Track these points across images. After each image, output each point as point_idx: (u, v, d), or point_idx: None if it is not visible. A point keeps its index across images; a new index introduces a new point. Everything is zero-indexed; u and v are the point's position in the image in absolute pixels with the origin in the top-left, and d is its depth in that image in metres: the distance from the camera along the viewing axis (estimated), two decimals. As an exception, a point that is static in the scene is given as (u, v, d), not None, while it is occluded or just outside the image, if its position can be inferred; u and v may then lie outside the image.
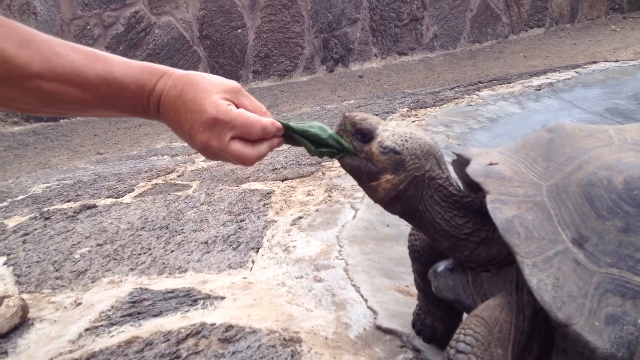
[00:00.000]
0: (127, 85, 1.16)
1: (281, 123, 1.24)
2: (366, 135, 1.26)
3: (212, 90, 1.17)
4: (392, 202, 1.28)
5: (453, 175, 1.38)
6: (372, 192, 1.29)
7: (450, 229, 1.29)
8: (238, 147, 1.18)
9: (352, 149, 1.26)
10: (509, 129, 3.67)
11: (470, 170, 1.26)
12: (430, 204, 1.29)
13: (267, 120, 1.21)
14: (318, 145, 1.26)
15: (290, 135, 1.26)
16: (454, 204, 1.29)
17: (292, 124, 1.26)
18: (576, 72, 4.78)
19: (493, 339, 1.14)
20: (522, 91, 4.31)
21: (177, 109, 1.17)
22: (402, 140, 1.26)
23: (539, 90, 4.35)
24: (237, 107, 1.19)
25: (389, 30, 7.53)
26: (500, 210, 1.17)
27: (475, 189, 1.31)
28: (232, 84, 1.21)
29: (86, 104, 1.15)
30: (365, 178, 1.27)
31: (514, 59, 7.63)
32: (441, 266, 1.36)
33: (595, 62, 5.28)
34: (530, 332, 1.19)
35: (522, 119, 3.86)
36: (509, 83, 4.59)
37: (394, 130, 1.27)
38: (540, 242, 1.13)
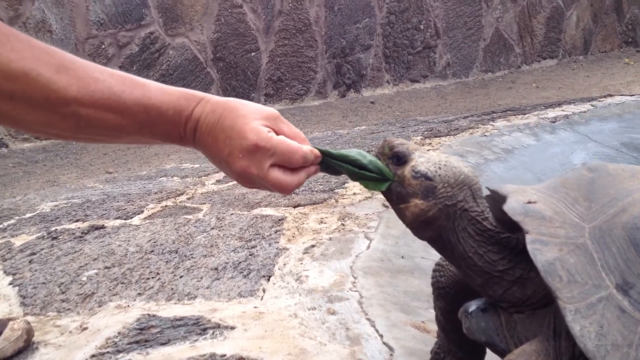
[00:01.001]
0: (165, 112, 1.13)
1: (319, 150, 1.21)
2: (401, 158, 1.24)
3: (252, 116, 1.14)
4: (421, 227, 1.24)
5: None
6: (401, 215, 1.26)
7: (483, 265, 1.24)
8: (278, 174, 1.14)
9: (391, 175, 1.24)
10: (524, 160, 3.62)
11: (508, 208, 1.21)
12: (463, 236, 1.24)
13: (307, 147, 1.18)
14: (360, 168, 1.24)
15: (327, 162, 1.23)
16: (488, 239, 1.24)
17: (331, 150, 1.23)
18: (592, 105, 4.74)
19: None
20: (537, 123, 4.27)
21: (215, 135, 1.14)
22: (435, 167, 1.24)
23: (554, 122, 4.31)
24: (277, 133, 1.16)
25: (401, 57, 7.53)
26: (541, 252, 1.11)
27: (508, 227, 1.26)
28: (271, 110, 1.18)
29: (123, 131, 1.12)
30: (395, 199, 1.25)
31: (526, 89, 7.60)
32: (473, 306, 1.30)
33: (610, 96, 5.24)
34: None
35: (538, 151, 3.81)
36: (524, 114, 4.55)
37: (429, 157, 1.26)
38: (583, 287, 1.07)
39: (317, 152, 1.20)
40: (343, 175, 1.27)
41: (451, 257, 1.28)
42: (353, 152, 1.24)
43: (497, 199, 1.27)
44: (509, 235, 1.25)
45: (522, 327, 1.22)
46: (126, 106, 1.09)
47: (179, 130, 1.16)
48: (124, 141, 1.20)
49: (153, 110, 1.12)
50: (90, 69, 1.08)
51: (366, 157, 1.24)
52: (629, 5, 10.15)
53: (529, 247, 1.12)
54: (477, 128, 4.13)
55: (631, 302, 1.05)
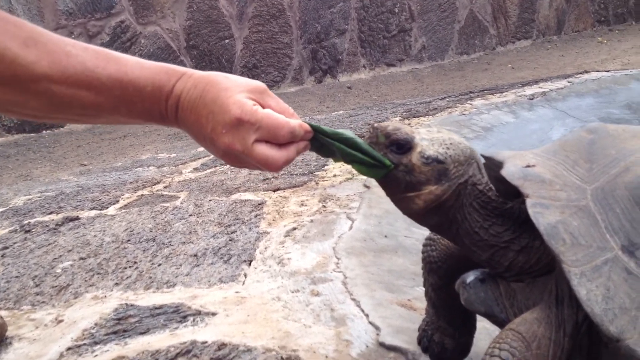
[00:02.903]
0: (143, 87, 1.06)
1: (310, 125, 1.13)
2: (404, 146, 1.14)
3: (236, 89, 1.07)
4: (430, 213, 1.18)
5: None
6: (408, 204, 1.17)
7: (489, 238, 1.19)
8: (264, 150, 1.07)
9: (386, 159, 1.15)
10: (503, 138, 3.60)
11: (506, 172, 1.16)
12: (469, 211, 1.19)
13: (295, 122, 1.10)
14: (353, 149, 1.14)
15: (319, 140, 1.14)
16: (492, 211, 1.20)
17: (324, 127, 1.14)
18: (569, 82, 4.73)
19: (531, 356, 1.04)
20: (515, 100, 4.25)
21: (197, 111, 1.07)
22: (443, 148, 1.15)
23: (532, 99, 4.30)
24: (263, 107, 1.08)
25: (377, 42, 7.48)
26: (542, 215, 1.07)
27: (505, 196, 1.22)
28: (257, 83, 1.11)
29: (99, 109, 1.05)
30: (403, 190, 1.16)
31: (502, 70, 7.61)
32: (471, 277, 1.26)
33: (587, 72, 5.25)
34: (570, 349, 1.10)
35: (517, 128, 3.79)
36: (502, 92, 4.53)
37: (432, 137, 1.16)
38: (588, 250, 1.04)
39: (307, 126, 1.12)
40: (324, 158, 1.18)
41: (455, 235, 1.22)
42: (347, 132, 1.15)
43: (492, 167, 1.23)
44: (512, 206, 1.21)
45: (522, 296, 1.19)
46: (101, 82, 1.02)
47: (159, 107, 1.09)
48: (103, 121, 1.13)
49: (130, 85, 1.05)
50: (62, 42, 1.01)
51: (358, 139, 1.15)
52: (601, -16, 10.21)
53: (530, 211, 1.08)
54: (456, 107, 4.10)
55: (638, 263, 1.02)
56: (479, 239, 1.20)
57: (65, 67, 0.99)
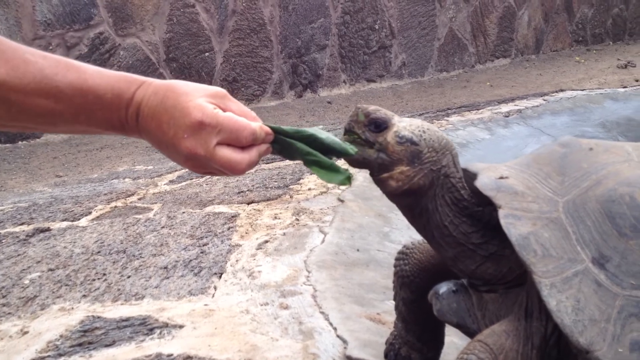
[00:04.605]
0: (103, 95, 1.05)
1: (271, 127, 1.13)
2: (381, 125, 1.19)
3: (195, 94, 1.07)
4: (403, 194, 1.20)
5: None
6: (383, 184, 1.20)
7: (457, 235, 1.21)
8: (227, 153, 1.07)
9: (352, 150, 1.17)
10: (478, 154, 3.63)
11: (480, 183, 1.18)
12: (441, 204, 1.21)
13: (256, 124, 1.10)
14: (315, 149, 1.15)
15: (281, 142, 1.15)
16: (463, 210, 1.21)
17: (284, 127, 1.15)
18: (544, 100, 4.79)
19: None
20: (491, 117, 4.30)
21: (158, 118, 1.06)
22: (419, 131, 1.19)
23: (507, 116, 4.34)
24: (224, 111, 1.08)
25: (357, 57, 7.52)
26: (514, 226, 1.09)
27: (479, 207, 1.23)
28: (217, 89, 1.11)
29: (58, 117, 1.04)
30: (377, 170, 1.19)
31: (480, 88, 7.68)
32: (443, 287, 1.27)
33: (562, 90, 5.32)
34: None
35: (492, 145, 3.83)
36: (478, 109, 4.57)
37: (410, 121, 1.21)
38: (559, 262, 1.05)
39: (267, 128, 1.13)
40: (298, 170, 1.19)
41: (425, 226, 1.24)
42: (311, 128, 1.16)
43: (466, 179, 1.24)
44: (483, 209, 1.22)
45: (493, 307, 1.20)
46: (59, 89, 1.02)
47: (119, 115, 1.09)
48: (61, 130, 1.12)
49: (90, 93, 1.04)
50: (20, 50, 1.01)
51: (322, 133, 1.17)
52: (579, 5, 10.37)
53: (502, 222, 1.10)
54: (432, 123, 4.13)
55: (608, 275, 1.03)
56: (447, 233, 1.21)
57: (23, 75, 0.98)
